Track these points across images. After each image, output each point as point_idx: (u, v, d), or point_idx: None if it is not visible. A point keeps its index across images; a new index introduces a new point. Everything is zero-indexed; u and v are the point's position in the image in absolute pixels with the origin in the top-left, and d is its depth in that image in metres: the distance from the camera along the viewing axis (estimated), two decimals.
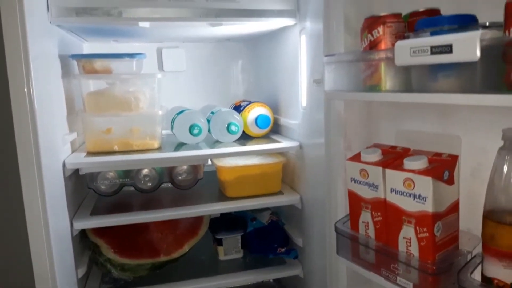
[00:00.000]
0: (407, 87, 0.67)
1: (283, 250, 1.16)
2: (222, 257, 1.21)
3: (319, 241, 1.03)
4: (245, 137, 1.22)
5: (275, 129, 1.30)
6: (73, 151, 1.08)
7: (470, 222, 0.73)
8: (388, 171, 0.71)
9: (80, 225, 0.99)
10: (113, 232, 1.10)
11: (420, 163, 0.67)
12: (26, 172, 0.82)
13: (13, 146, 0.83)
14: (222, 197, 1.15)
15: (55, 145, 0.93)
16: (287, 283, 1.37)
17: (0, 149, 1.33)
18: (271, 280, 1.43)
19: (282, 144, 1.12)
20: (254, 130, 1.23)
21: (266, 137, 1.25)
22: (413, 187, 0.67)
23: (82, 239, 1.10)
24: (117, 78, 1.07)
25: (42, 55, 0.87)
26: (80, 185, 1.12)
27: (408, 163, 0.68)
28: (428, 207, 0.66)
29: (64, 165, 0.97)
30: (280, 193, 1.17)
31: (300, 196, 1.13)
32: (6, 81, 0.80)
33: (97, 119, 1.08)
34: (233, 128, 1.14)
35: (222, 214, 1.38)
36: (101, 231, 1.08)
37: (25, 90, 0.80)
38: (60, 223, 0.92)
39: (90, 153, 1.05)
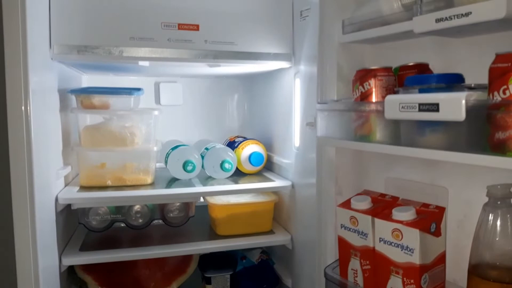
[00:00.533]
0: (396, 139, 0.70)
1: None
2: None
3: (308, 283, 1.03)
4: (238, 173, 1.23)
5: (268, 166, 1.31)
6: (66, 184, 1.08)
7: (456, 273, 0.74)
8: (377, 220, 0.72)
9: (68, 261, 0.98)
10: (101, 268, 1.09)
11: (408, 214, 0.69)
12: (19, 208, 0.82)
13: (7, 179, 0.83)
14: (213, 234, 1.15)
15: (48, 180, 0.93)
16: None
17: None
18: None
19: (275, 183, 1.13)
20: (248, 167, 1.24)
21: (259, 174, 1.26)
22: (401, 238, 0.68)
23: (70, 275, 1.08)
24: (114, 114, 1.09)
25: (41, 88, 0.88)
26: (71, 219, 1.11)
27: (397, 214, 0.70)
28: (416, 259, 0.66)
29: (56, 200, 0.97)
30: (271, 232, 1.17)
31: (291, 236, 1.13)
32: (4, 114, 0.81)
33: (92, 154, 1.09)
34: (226, 165, 1.15)
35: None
36: (89, 267, 1.07)
37: (23, 123, 0.81)
38: (49, 260, 0.92)
39: (83, 187, 1.06)
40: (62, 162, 1.05)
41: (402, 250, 0.68)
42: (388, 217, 0.71)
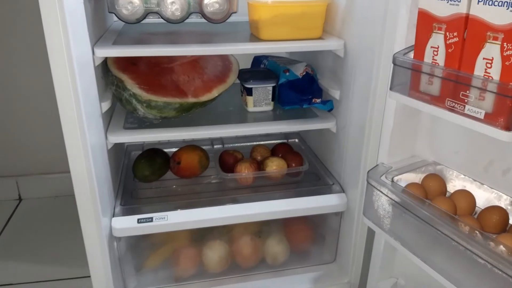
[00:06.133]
0: None
1: (318, 100, 1.09)
2: (251, 108, 1.14)
3: (362, 89, 0.94)
4: None
5: None
6: None
7: None
8: None
9: (102, 52, 0.89)
10: (138, 70, 1.02)
11: None
12: None
13: None
14: (256, 40, 1.04)
15: None
16: (313, 142, 1.33)
17: None
18: (296, 140, 1.40)
19: None
20: None
21: None
22: None
23: (104, 74, 1.02)
24: None
25: None
26: (100, 15, 1.00)
27: None
28: None
29: None
30: (320, 39, 1.05)
31: (344, 41, 1.01)
32: None
33: None
34: None
35: (252, 65, 1.29)
36: (124, 67, 1.00)
37: None
38: (82, 49, 0.83)
39: None
40: None
41: (508, 8, 0.56)
42: None
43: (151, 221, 0.98)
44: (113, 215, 0.99)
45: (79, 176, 0.87)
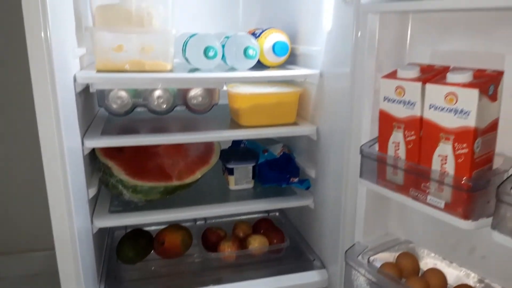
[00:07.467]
0: None
1: (296, 180, 1.15)
2: (233, 186, 1.19)
3: (335, 170, 1.02)
4: (260, 66, 1.17)
5: (291, 60, 1.24)
6: (81, 69, 1.02)
7: (504, 144, 0.71)
8: (428, 86, 0.68)
9: (91, 143, 0.95)
10: (124, 156, 1.07)
11: (465, 76, 0.64)
12: (40, 83, 0.76)
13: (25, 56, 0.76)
14: (236, 126, 1.11)
15: (66, 58, 0.87)
16: (293, 216, 1.38)
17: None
18: (277, 214, 1.45)
19: (303, 70, 1.08)
20: (271, 58, 1.18)
21: (282, 67, 1.19)
22: (456, 102, 0.64)
23: (92, 161, 1.06)
24: None
25: None
26: (89, 106, 1.07)
27: (452, 77, 0.65)
28: (471, 122, 0.63)
29: (75, 79, 0.91)
30: (294, 124, 1.13)
31: (317, 127, 1.10)
32: None
33: (107, 35, 1.01)
34: (250, 52, 1.08)
35: (232, 145, 1.35)
36: (111, 154, 1.05)
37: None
38: (72, 141, 0.88)
39: (100, 71, 0.99)
40: (76, 43, 0.98)
41: (455, 114, 0.65)
42: (441, 81, 0.67)
43: None
44: None
45: (65, 262, 0.88)
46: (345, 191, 0.98)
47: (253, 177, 1.21)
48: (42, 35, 0.74)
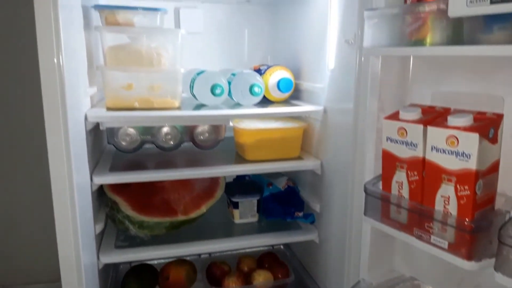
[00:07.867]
0: (458, 41, 0.65)
1: (300, 214, 1.16)
2: (237, 220, 1.20)
3: (339, 205, 1.03)
4: (265, 102, 1.20)
5: (296, 95, 1.27)
6: (92, 107, 1.05)
7: (506, 184, 0.72)
8: (430, 128, 0.70)
9: (100, 180, 0.97)
10: (131, 191, 1.08)
11: (466, 120, 0.66)
12: (52, 122, 0.79)
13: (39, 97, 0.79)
14: (241, 160, 1.13)
15: (78, 97, 0.90)
16: (298, 249, 1.37)
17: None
18: (282, 247, 1.45)
19: (307, 107, 1.10)
20: (276, 94, 1.21)
21: (287, 102, 1.23)
22: (457, 145, 0.66)
23: (99, 197, 1.08)
24: (140, 31, 1.03)
25: (68, 4, 0.83)
26: (98, 142, 1.09)
27: (453, 120, 0.67)
28: (472, 165, 0.64)
29: (86, 118, 0.94)
30: (299, 158, 1.15)
31: (321, 161, 1.12)
32: (33, 29, 0.77)
33: (118, 74, 1.05)
34: (256, 89, 1.12)
35: (237, 179, 1.37)
36: (118, 189, 1.07)
37: (53, 38, 0.77)
38: (81, 177, 0.90)
39: (110, 109, 1.02)
40: (88, 82, 1.02)
41: (457, 157, 0.66)
42: (442, 124, 0.69)
43: None
44: None
45: None
46: (349, 226, 0.98)
47: (258, 211, 1.22)
48: (57, 75, 0.78)
